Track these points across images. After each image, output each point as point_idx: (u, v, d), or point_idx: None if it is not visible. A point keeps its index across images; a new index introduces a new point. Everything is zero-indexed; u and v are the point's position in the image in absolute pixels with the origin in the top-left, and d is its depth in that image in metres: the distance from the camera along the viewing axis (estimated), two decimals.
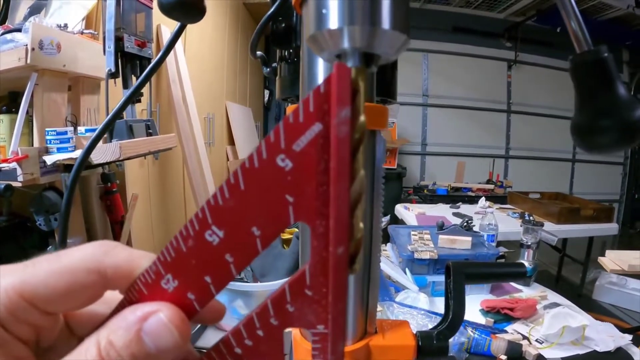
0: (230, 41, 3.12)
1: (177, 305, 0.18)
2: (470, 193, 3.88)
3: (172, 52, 1.92)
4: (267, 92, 4.72)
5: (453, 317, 0.42)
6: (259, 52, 0.49)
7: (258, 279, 0.90)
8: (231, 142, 3.35)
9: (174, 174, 2.15)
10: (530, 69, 4.85)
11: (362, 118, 0.15)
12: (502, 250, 2.34)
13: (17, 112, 1.08)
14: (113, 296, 0.19)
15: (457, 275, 0.42)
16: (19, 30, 1.00)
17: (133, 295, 0.18)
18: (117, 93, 1.12)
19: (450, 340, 1.13)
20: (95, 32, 1.15)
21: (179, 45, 1.98)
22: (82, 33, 1.13)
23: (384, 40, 0.16)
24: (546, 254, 2.82)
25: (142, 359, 0.17)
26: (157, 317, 0.17)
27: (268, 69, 0.49)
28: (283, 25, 0.39)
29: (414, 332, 0.40)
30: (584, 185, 5.05)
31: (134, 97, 0.42)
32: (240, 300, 0.82)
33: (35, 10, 1.31)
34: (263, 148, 0.15)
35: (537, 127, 4.92)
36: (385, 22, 0.16)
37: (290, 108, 0.34)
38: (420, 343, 0.40)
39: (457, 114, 4.83)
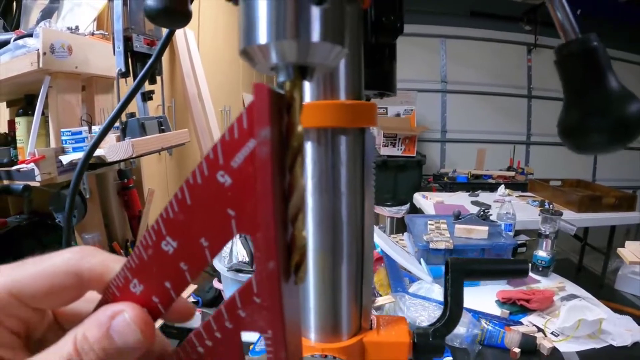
0: None
1: (144, 306, 0.19)
2: (490, 180, 3.82)
3: (185, 49, 1.93)
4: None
5: (450, 315, 0.41)
6: None
7: None
8: None
9: (191, 168, 2.18)
10: (550, 53, 4.61)
11: (300, 128, 0.15)
12: (524, 238, 2.31)
13: (33, 114, 1.11)
14: (97, 296, 0.21)
15: (456, 272, 0.41)
16: (30, 35, 1.02)
17: (108, 296, 0.20)
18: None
19: (463, 332, 1.12)
20: (106, 33, 1.17)
21: (192, 41, 2.00)
22: (92, 34, 1.15)
23: (316, 52, 0.16)
24: (568, 241, 2.76)
25: (113, 353, 0.19)
26: (122, 316, 0.19)
27: None
28: None
29: (410, 329, 0.41)
30: (607, 171, 4.90)
31: (133, 97, 0.43)
32: None
33: (46, 14, 1.34)
34: (204, 165, 0.16)
35: (558, 113, 4.79)
36: (315, 34, 0.16)
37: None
38: (415, 340, 0.40)
39: (476, 100, 4.74)
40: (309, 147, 0.33)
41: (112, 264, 0.21)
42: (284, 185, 0.16)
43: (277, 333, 0.16)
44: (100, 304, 0.20)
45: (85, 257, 0.21)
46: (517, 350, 1.08)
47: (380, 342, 0.38)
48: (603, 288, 2.16)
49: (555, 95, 4.76)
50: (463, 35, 4.65)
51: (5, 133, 1.45)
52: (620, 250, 1.68)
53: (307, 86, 0.33)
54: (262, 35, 0.16)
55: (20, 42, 1.01)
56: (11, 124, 1.40)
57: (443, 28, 4.60)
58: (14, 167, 1.05)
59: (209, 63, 2.22)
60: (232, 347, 0.18)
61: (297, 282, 0.17)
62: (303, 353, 0.37)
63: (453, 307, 0.41)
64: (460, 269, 0.42)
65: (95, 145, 0.47)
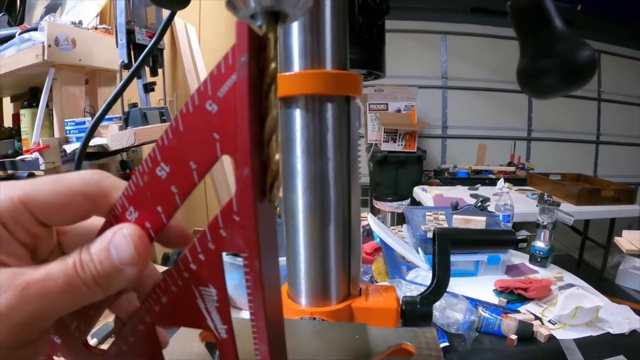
0: None
1: None
2: (491, 176, 3.82)
3: (186, 45, 1.96)
4: None
5: (437, 283, 0.43)
6: None
7: None
8: None
9: None
10: None
11: (273, 65, 0.18)
12: (524, 233, 2.32)
13: (37, 106, 1.14)
14: (98, 225, 0.23)
15: (442, 241, 0.43)
16: (35, 29, 1.05)
17: (109, 222, 0.22)
18: (132, 83, 1.17)
19: (460, 318, 1.13)
20: (109, 27, 1.20)
21: (193, 37, 2.02)
22: (96, 28, 1.18)
23: (287, 1, 0.18)
24: (568, 238, 2.77)
25: (109, 269, 0.20)
26: (122, 232, 0.21)
27: None
28: None
29: (398, 297, 0.42)
30: (608, 167, 4.90)
31: (130, 82, 0.46)
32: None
33: (50, 9, 1.36)
34: (195, 95, 0.18)
35: (560, 109, 4.80)
36: None
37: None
38: (403, 307, 0.42)
39: (477, 96, 4.74)
40: (297, 114, 0.36)
41: (121, 188, 0.22)
42: (260, 110, 0.18)
43: (252, 249, 0.18)
44: (104, 229, 0.22)
45: (99, 179, 0.22)
46: (514, 337, 1.09)
47: (368, 308, 0.40)
48: (603, 282, 2.16)
49: None
50: (464, 32, 4.65)
51: (9, 127, 1.48)
52: (617, 240, 1.69)
53: (295, 57, 0.35)
54: None
55: (25, 35, 1.04)
56: (16, 117, 1.42)
57: (444, 24, 4.60)
58: (18, 157, 1.08)
59: (210, 61, 2.25)
60: (215, 269, 0.20)
61: (271, 200, 0.19)
62: (293, 316, 0.39)
63: (440, 275, 0.43)
64: (446, 238, 0.44)
65: (94, 128, 0.50)
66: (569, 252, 3.17)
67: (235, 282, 1.02)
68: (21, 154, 1.14)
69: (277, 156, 0.18)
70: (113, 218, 0.22)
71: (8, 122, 1.55)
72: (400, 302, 0.42)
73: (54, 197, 0.21)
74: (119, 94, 0.46)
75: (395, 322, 0.42)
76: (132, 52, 1.05)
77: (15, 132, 1.37)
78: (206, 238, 0.20)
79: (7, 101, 1.62)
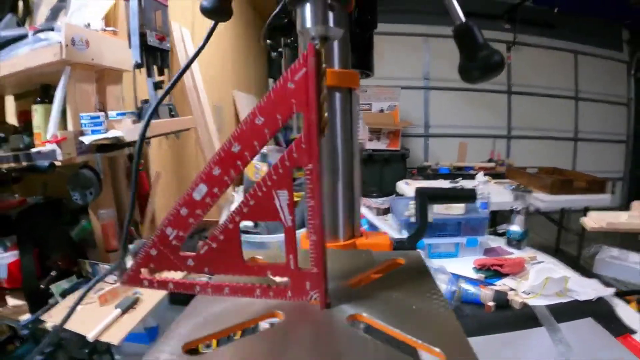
0: (233, 33, 3.26)
1: (238, 159, 0.33)
2: (472, 172, 3.97)
3: (182, 46, 2.05)
4: (270, 81, 4.83)
5: (419, 227, 0.55)
6: (268, 41, 0.65)
7: (271, 232, 1.06)
8: None
9: (188, 154, 2.30)
10: (529, 50, 4.92)
11: (324, 65, 0.31)
12: (505, 227, 2.46)
13: (49, 102, 1.21)
14: None
15: (421, 196, 0.56)
16: (51, 29, 1.13)
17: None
18: (141, 81, 1.27)
19: (443, 289, 1.27)
20: (117, 29, 1.29)
21: (187, 39, 2.12)
22: (104, 30, 1.27)
23: (331, 31, 0.31)
24: (546, 230, 2.91)
25: None
26: None
27: (275, 53, 0.64)
28: (285, 20, 0.55)
29: (390, 239, 0.54)
30: (586, 163, 5.12)
31: (182, 76, 0.56)
32: (260, 251, 0.96)
33: (55, 12, 1.44)
34: (281, 78, 0.31)
35: (538, 107, 5.01)
36: (331, 21, 0.33)
37: None
38: (395, 245, 0.54)
39: (458, 96, 4.91)
40: None
41: None
42: (318, 88, 0.31)
43: (314, 162, 0.31)
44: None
45: None
46: (491, 304, 1.22)
47: (368, 244, 0.52)
48: (579, 268, 2.30)
49: (534, 90, 4.98)
50: (445, 34, 4.79)
51: (13, 125, 1.55)
52: (582, 220, 1.83)
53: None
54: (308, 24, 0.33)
55: (42, 35, 1.12)
56: (21, 115, 1.49)
57: (426, 27, 4.76)
58: (34, 150, 1.15)
59: (202, 59, 2.35)
60: (288, 178, 0.33)
61: (322, 136, 0.32)
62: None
63: (421, 221, 0.55)
64: (424, 194, 0.56)
65: (152, 114, 0.60)
66: (548, 243, 3.32)
67: None
68: (32, 148, 1.21)
69: (325, 114, 0.31)
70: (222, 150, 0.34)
71: (11, 119, 1.62)
72: (393, 242, 0.54)
73: None
74: (167, 93, 0.57)
75: None
76: (143, 53, 1.14)
77: (21, 129, 1.44)
78: (284, 159, 0.32)
79: (9, 99, 1.68)
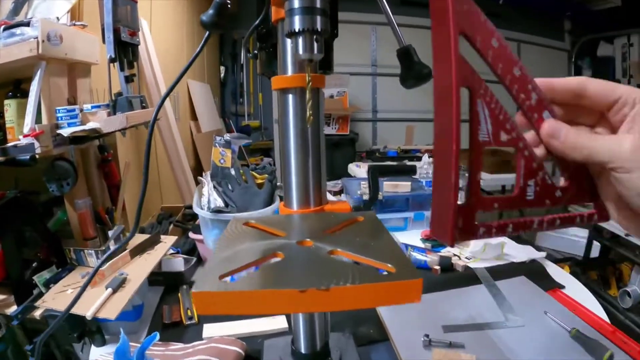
0: (188, 22, 3.29)
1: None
2: (419, 154, 4.20)
3: (140, 34, 2.10)
4: (223, 69, 4.85)
5: (371, 197, 0.72)
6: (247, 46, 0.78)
7: (241, 211, 1.20)
8: (194, 117, 3.55)
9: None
10: None
11: (308, 79, 0.45)
12: None
13: (22, 97, 1.25)
14: None
15: (373, 171, 0.72)
16: (26, 24, 1.17)
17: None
18: (113, 75, 1.34)
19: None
20: (86, 24, 1.34)
21: (145, 27, 2.17)
22: (74, 25, 1.32)
23: (316, 56, 0.46)
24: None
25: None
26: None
27: (250, 55, 0.77)
28: (264, 30, 0.68)
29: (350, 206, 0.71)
30: None
31: (186, 70, 0.69)
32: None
33: (19, 5, 1.46)
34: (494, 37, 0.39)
35: None
36: (317, 50, 0.48)
37: (273, 79, 0.63)
38: (353, 209, 0.70)
39: None
40: (290, 99, 0.63)
41: (616, 89, 0.39)
42: None
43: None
44: None
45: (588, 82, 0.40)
46: (437, 267, 1.41)
47: (334, 208, 0.68)
48: (521, 241, 2.57)
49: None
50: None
51: None
52: None
53: (289, 66, 0.63)
54: (305, 54, 0.48)
55: (17, 30, 1.16)
56: None
57: (374, 15, 4.88)
58: (10, 144, 1.17)
59: (161, 48, 2.40)
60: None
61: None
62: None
63: (373, 192, 0.72)
64: (375, 170, 0.73)
65: (160, 105, 0.71)
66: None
67: (214, 237, 1.25)
68: (4, 143, 1.24)
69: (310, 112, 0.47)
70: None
71: None
72: (352, 207, 0.70)
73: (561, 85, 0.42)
74: (174, 86, 0.69)
75: None
76: (117, 48, 1.22)
77: None
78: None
79: None
